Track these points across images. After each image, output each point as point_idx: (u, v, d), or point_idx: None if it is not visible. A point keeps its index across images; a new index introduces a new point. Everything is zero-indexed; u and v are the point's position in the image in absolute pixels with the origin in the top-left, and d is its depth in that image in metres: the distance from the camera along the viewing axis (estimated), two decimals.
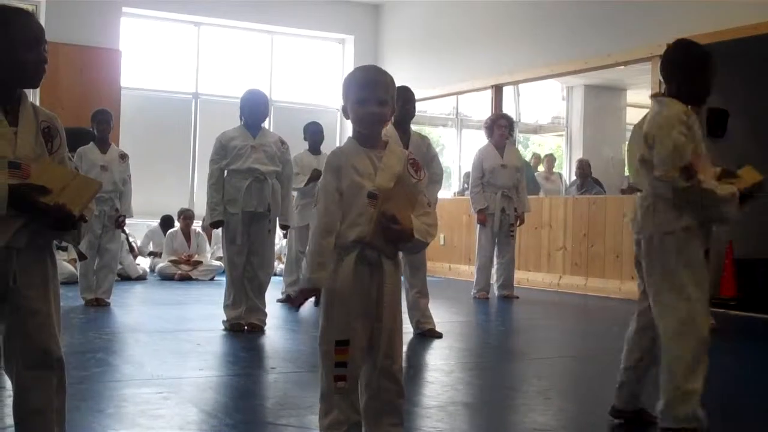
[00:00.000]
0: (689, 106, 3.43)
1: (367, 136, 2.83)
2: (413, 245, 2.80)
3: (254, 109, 6.12)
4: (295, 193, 8.10)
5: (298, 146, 6.69)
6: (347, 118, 2.90)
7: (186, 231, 10.74)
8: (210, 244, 11.09)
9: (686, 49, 3.56)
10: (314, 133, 8.18)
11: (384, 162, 2.79)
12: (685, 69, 3.49)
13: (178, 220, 10.91)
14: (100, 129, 7.38)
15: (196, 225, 11.01)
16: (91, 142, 7.34)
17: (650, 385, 3.48)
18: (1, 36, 2.44)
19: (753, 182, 3.47)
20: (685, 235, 3.35)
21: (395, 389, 2.82)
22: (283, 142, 6.22)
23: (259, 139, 6.09)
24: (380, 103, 2.79)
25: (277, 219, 6.22)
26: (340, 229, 2.74)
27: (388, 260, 2.79)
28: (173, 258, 10.44)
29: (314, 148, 8.14)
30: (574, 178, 12.35)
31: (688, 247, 3.34)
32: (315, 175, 7.70)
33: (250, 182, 5.96)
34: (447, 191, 13.25)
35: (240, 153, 5.99)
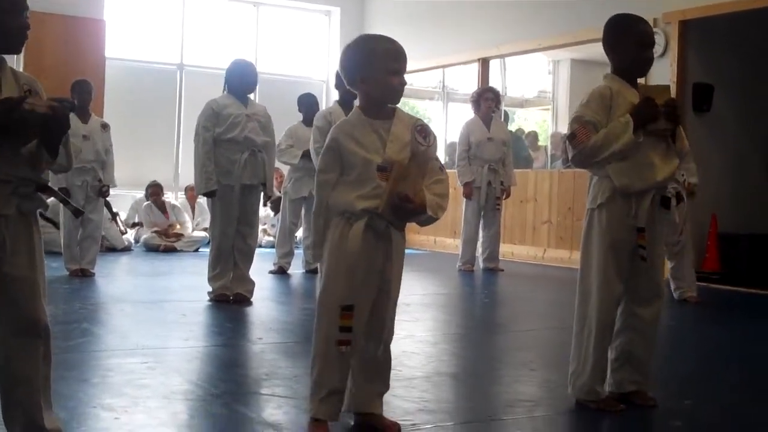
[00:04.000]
0: (628, 81, 3.38)
1: (380, 107, 2.83)
2: (425, 219, 2.82)
3: (244, 78, 6.05)
4: (288, 166, 8.11)
5: (281, 118, 6.65)
6: (355, 89, 2.87)
7: (158, 203, 10.65)
8: (193, 215, 11.07)
9: (608, 24, 3.48)
10: (311, 105, 8.15)
11: (393, 133, 2.80)
12: (609, 44, 3.44)
13: (146, 195, 10.80)
14: (81, 99, 7.34)
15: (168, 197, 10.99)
16: (71, 113, 7.29)
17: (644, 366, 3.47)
18: None
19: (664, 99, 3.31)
20: (599, 209, 3.38)
21: (387, 358, 2.93)
22: (268, 114, 6.21)
23: (250, 108, 6.06)
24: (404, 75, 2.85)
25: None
26: (350, 198, 2.76)
27: (396, 231, 2.82)
28: (156, 230, 10.40)
29: (308, 120, 8.11)
30: (553, 152, 12.41)
31: (601, 223, 3.37)
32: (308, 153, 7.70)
33: (246, 155, 5.93)
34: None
35: (235, 122, 5.92)
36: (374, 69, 2.80)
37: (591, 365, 3.34)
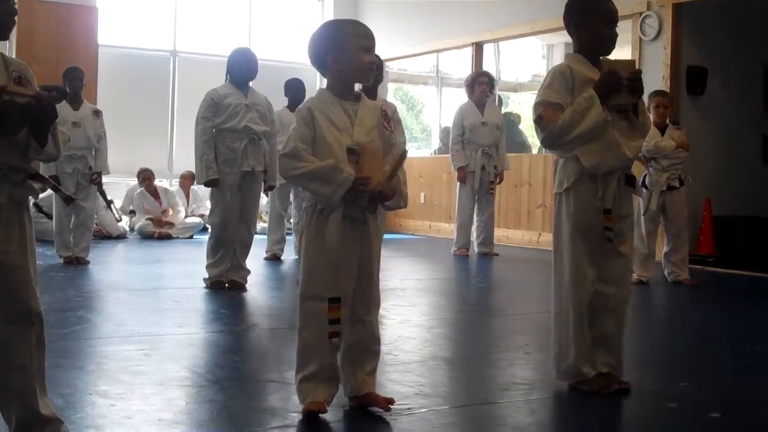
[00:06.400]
0: (592, 61, 3.38)
1: (347, 86, 2.86)
2: (392, 204, 2.85)
3: (244, 66, 6.04)
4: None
5: (274, 104, 6.65)
6: (324, 72, 2.89)
7: (150, 188, 10.63)
8: (188, 202, 11.04)
9: (571, 4, 3.46)
10: (297, 90, 8.15)
11: (359, 117, 2.83)
12: (573, 23, 3.43)
13: (138, 181, 10.78)
14: (72, 86, 7.28)
15: (159, 182, 10.96)
16: (63, 100, 7.26)
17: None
18: None
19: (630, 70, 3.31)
20: (566, 193, 3.38)
21: (373, 338, 2.95)
22: (269, 103, 6.21)
23: (251, 98, 6.04)
24: None
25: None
26: None
27: (371, 216, 2.83)
28: (150, 217, 10.36)
29: (294, 106, 8.09)
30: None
31: (569, 207, 3.37)
32: None
33: (246, 143, 5.93)
34: (427, 150, 13.24)
35: (235, 111, 5.92)
36: (345, 47, 2.82)
37: (575, 347, 3.35)
